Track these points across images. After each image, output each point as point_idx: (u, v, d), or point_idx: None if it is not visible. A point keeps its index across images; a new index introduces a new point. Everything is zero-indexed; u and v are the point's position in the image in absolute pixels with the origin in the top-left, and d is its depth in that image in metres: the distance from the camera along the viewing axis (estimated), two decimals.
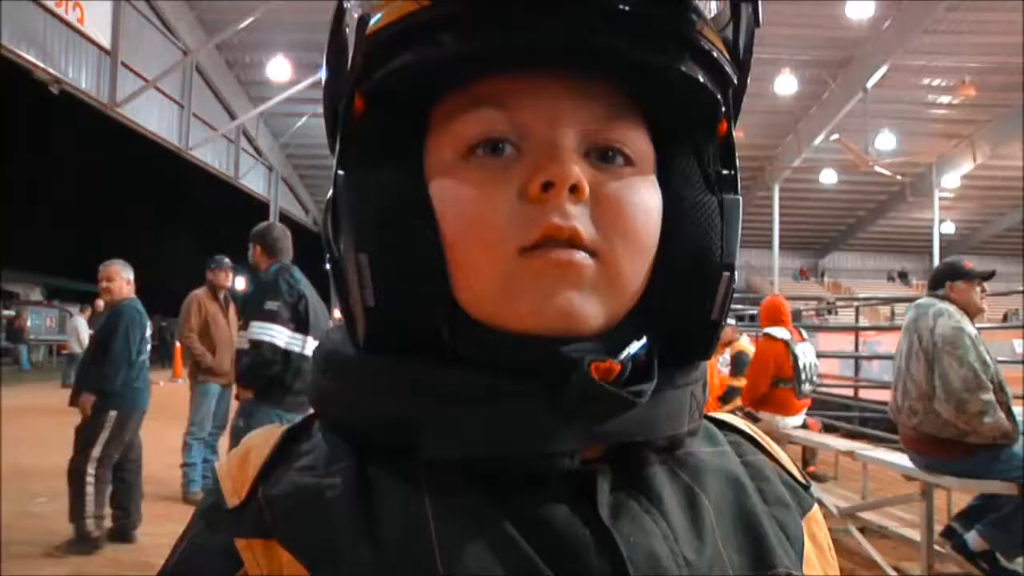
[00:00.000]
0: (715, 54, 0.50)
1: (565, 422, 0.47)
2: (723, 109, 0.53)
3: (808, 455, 5.96)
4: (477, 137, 0.49)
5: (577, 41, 0.46)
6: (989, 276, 4.21)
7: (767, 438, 0.64)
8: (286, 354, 4.15)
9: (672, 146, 0.54)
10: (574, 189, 0.47)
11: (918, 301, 4.30)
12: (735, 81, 0.53)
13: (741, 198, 0.55)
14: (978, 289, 4.11)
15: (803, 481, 0.62)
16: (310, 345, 4.25)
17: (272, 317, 4.13)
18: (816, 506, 0.61)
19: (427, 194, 0.49)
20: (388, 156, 0.50)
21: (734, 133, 0.55)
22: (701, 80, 0.50)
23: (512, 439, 0.47)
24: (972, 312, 4.06)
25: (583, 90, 0.50)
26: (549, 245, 0.47)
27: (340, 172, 0.50)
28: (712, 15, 0.52)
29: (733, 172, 0.55)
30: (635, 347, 0.49)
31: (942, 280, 4.16)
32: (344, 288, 0.51)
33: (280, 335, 4.14)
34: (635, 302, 0.52)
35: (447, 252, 0.48)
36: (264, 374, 4.11)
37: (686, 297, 0.52)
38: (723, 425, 0.64)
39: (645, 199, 0.51)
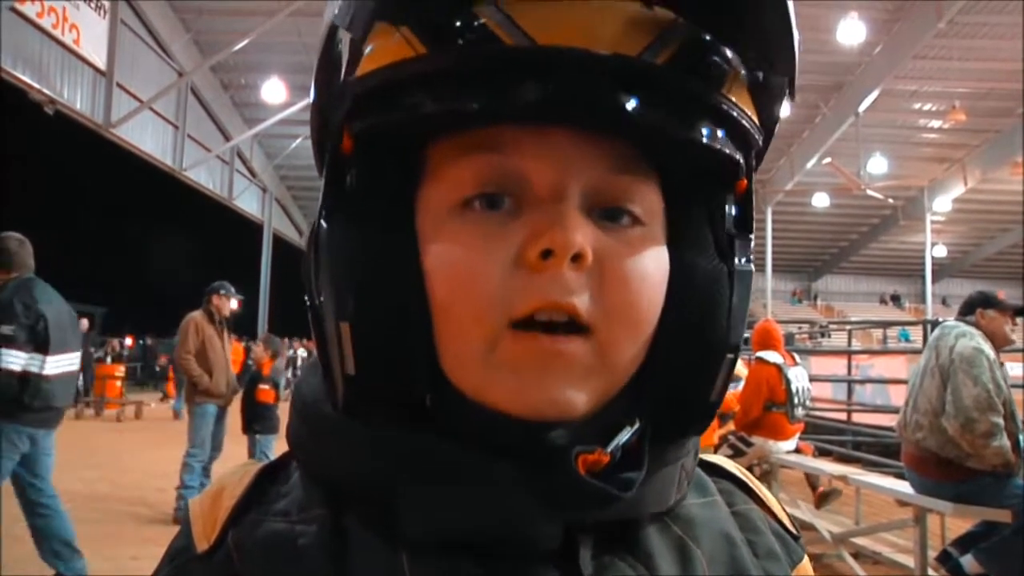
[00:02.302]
0: (735, 114, 0.46)
1: (547, 509, 0.44)
2: (744, 170, 0.49)
3: (813, 477, 5.93)
4: (473, 189, 0.45)
5: (586, 103, 0.42)
6: (1022, 310, 4.25)
7: (759, 484, 0.62)
8: (23, 377, 4.11)
9: (685, 203, 0.50)
10: (576, 258, 0.43)
11: (945, 323, 4.32)
12: (759, 143, 0.49)
13: (753, 268, 0.51)
14: (1009, 320, 4.15)
15: (794, 531, 0.60)
16: (51, 363, 4.23)
17: (6, 342, 4.08)
18: (806, 558, 0.59)
19: (417, 249, 0.45)
20: (376, 203, 0.46)
21: (753, 190, 0.51)
22: (720, 146, 0.46)
23: (488, 522, 0.44)
24: (999, 342, 4.08)
25: (593, 144, 0.45)
26: (540, 326, 0.43)
27: (323, 224, 0.47)
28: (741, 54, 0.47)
29: (748, 236, 0.51)
30: (626, 435, 0.47)
31: (973, 307, 4.18)
32: (322, 336, 0.47)
33: (16, 360, 4.09)
34: (629, 377, 0.48)
35: (435, 317, 0.45)
36: (2, 397, 4.08)
37: (685, 380, 0.49)
38: (713, 469, 0.61)
39: (651, 270, 0.47)
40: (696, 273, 0.49)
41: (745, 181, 0.50)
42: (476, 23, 0.42)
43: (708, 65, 0.44)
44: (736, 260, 0.50)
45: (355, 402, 0.47)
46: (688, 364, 0.49)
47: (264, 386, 6.50)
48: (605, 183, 0.46)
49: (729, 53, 0.45)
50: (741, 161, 0.48)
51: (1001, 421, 3.76)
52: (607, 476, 0.44)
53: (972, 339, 3.95)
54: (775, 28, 0.46)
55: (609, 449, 0.45)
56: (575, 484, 0.43)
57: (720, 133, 0.46)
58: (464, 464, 0.44)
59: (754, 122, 0.48)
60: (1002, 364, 4.02)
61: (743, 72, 0.47)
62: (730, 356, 0.49)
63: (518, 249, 0.44)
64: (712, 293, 0.49)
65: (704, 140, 0.45)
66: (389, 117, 0.44)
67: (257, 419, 6.44)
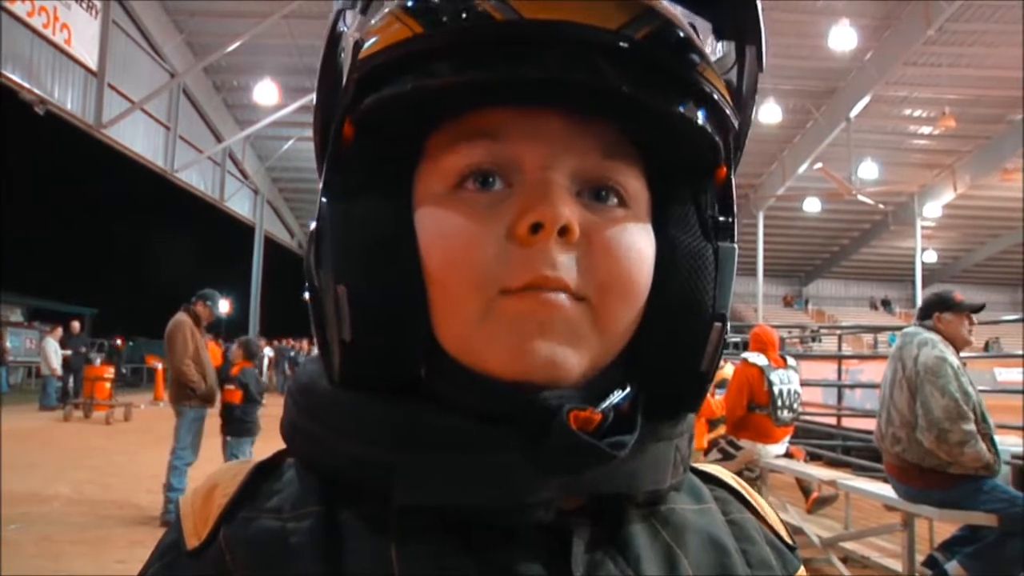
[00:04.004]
0: (716, 97, 0.48)
1: (541, 473, 0.44)
2: (723, 154, 0.51)
3: (806, 482, 5.94)
4: (467, 169, 0.47)
5: (575, 80, 0.44)
6: (978, 309, 4.22)
7: (755, 494, 0.62)
8: None
9: (669, 189, 0.52)
10: (564, 231, 0.45)
11: (905, 330, 4.30)
12: (736, 126, 0.51)
13: (737, 247, 0.53)
14: (967, 322, 4.13)
15: (789, 541, 0.59)
16: None
17: None
18: (802, 568, 0.58)
19: (413, 227, 0.47)
20: (376, 185, 0.48)
21: (733, 177, 0.53)
22: (701, 124, 0.48)
23: (486, 489, 0.45)
24: (959, 344, 4.07)
25: (579, 127, 0.48)
26: (533, 290, 0.45)
27: (324, 200, 0.48)
28: (716, 57, 0.51)
29: (730, 219, 0.53)
30: (618, 396, 0.47)
31: (931, 311, 4.16)
32: (322, 320, 0.48)
33: None
34: (621, 348, 0.49)
35: (429, 288, 0.46)
36: None
37: (675, 348, 0.50)
38: (709, 478, 0.61)
39: (638, 244, 0.49)
40: (681, 248, 0.51)
41: (725, 167, 0.52)
42: (468, 2, 0.45)
43: (685, 45, 0.47)
44: (719, 240, 0.52)
45: (351, 372, 0.48)
46: (677, 332, 0.50)
47: (229, 386, 6.46)
48: (592, 166, 0.48)
49: (702, 40, 0.48)
50: (719, 142, 0.50)
51: (973, 427, 3.78)
52: (600, 439, 0.45)
53: (934, 347, 3.95)
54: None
55: (601, 408, 0.45)
56: (567, 440, 0.43)
57: (699, 112, 0.48)
58: (458, 432, 0.45)
59: (730, 104, 0.50)
60: (964, 364, 4.03)
61: (718, 52, 0.50)
62: (717, 324, 0.50)
63: (509, 224, 0.46)
64: (697, 265, 0.51)
65: (683, 113, 0.47)
66: (388, 94, 0.46)
67: (226, 420, 6.42)
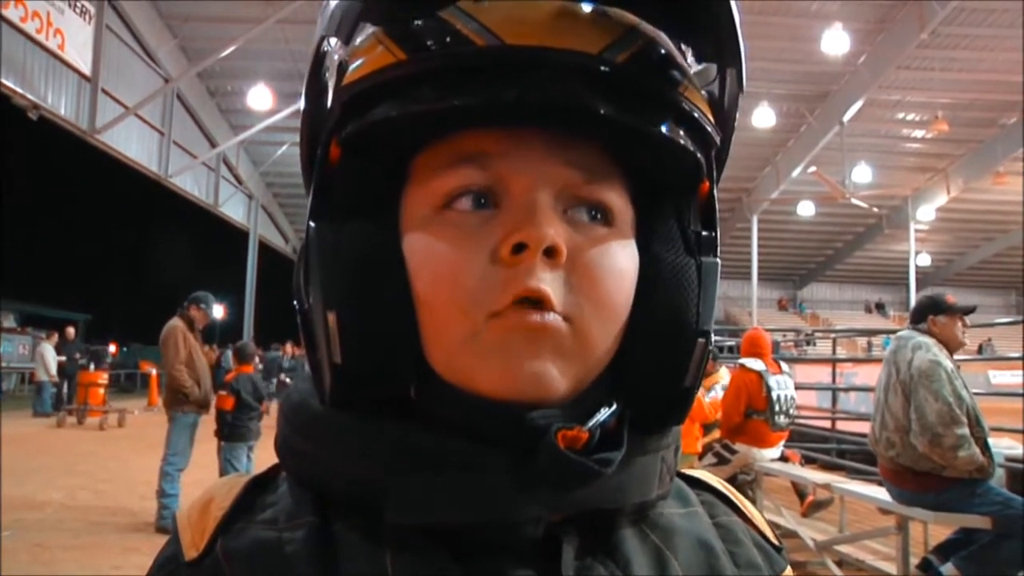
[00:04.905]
0: (697, 115, 0.49)
1: (530, 491, 0.45)
2: (705, 170, 0.51)
3: (802, 485, 5.94)
4: (455, 191, 0.48)
5: (557, 103, 0.45)
6: (970, 311, 4.25)
7: (741, 497, 0.63)
8: None
9: (652, 205, 0.53)
10: (550, 252, 0.45)
11: (899, 333, 4.33)
12: (718, 142, 0.52)
13: (720, 261, 0.54)
14: (960, 323, 4.15)
15: (776, 543, 0.60)
16: None
17: None
18: (788, 568, 0.60)
19: (401, 248, 0.48)
20: (363, 207, 0.49)
21: (716, 192, 0.54)
22: (683, 143, 0.48)
23: (476, 507, 0.45)
24: (953, 346, 4.10)
25: (564, 147, 0.48)
26: (520, 308, 0.46)
27: (312, 224, 0.49)
28: (695, 71, 0.52)
29: (713, 233, 0.54)
30: (604, 414, 0.48)
31: (924, 314, 4.19)
32: (311, 335, 0.49)
33: None
34: (606, 365, 0.50)
35: (418, 310, 0.47)
36: None
37: (659, 364, 0.51)
38: (695, 483, 0.62)
39: (621, 263, 0.49)
40: (664, 265, 0.52)
41: (708, 183, 0.53)
42: (449, 28, 0.46)
43: (666, 64, 0.48)
44: (702, 255, 0.53)
45: (342, 393, 0.48)
46: (661, 350, 0.51)
47: (222, 392, 6.50)
48: (576, 185, 0.49)
49: (683, 57, 0.49)
50: (702, 159, 0.50)
51: (966, 431, 3.80)
52: (587, 456, 0.46)
53: (928, 351, 3.98)
54: (722, 22, 0.49)
55: (588, 427, 0.46)
56: (556, 459, 0.45)
57: (680, 130, 0.49)
58: (448, 451, 0.46)
59: (711, 122, 0.51)
60: (959, 367, 4.05)
61: (696, 79, 0.50)
62: (701, 341, 0.51)
63: (494, 244, 0.46)
64: (680, 282, 0.51)
65: (665, 133, 0.47)
66: (373, 120, 0.47)
67: (220, 426, 6.44)
